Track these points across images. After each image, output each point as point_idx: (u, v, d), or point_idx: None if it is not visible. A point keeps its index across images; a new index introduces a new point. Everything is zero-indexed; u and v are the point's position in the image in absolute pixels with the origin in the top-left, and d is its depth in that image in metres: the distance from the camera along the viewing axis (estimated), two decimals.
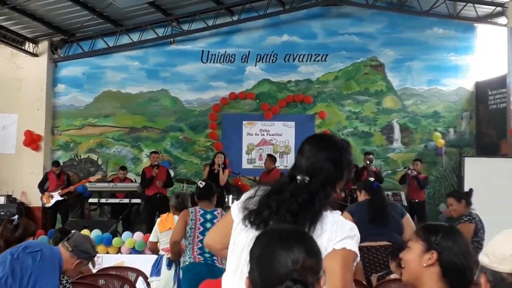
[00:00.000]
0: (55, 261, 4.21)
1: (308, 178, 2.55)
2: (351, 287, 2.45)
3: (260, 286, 1.80)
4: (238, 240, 2.57)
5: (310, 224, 2.43)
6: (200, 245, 6.17)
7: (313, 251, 1.83)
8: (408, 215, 6.38)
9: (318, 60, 15.33)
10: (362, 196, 6.54)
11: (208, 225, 6.28)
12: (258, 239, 1.90)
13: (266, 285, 1.77)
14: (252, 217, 2.52)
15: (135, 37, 15.26)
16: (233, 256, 2.59)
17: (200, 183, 6.73)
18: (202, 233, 6.19)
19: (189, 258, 6.25)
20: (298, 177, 2.55)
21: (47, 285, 4.07)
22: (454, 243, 2.45)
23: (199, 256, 6.19)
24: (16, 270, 4.04)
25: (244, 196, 2.66)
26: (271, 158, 13.58)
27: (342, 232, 2.47)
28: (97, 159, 15.41)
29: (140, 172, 14.00)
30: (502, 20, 13.63)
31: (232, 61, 15.42)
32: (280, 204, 2.48)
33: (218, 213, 6.42)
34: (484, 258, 1.83)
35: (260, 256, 1.84)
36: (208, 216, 6.36)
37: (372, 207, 6.22)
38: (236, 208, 2.65)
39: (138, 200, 13.52)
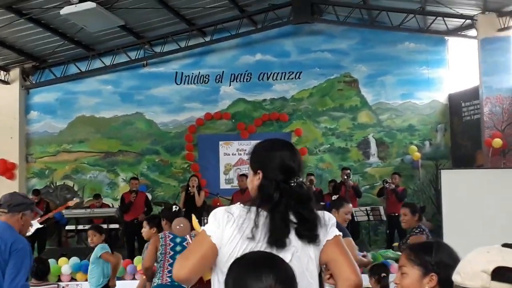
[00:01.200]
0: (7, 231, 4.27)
1: (300, 179, 2.64)
2: (354, 262, 2.65)
3: None
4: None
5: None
6: (170, 268, 6.37)
7: (283, 278, 1.88)
8: (350, 239, 6.03)
9: (292, 78, 15.38)
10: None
11: (178, 248, 6.50)
12: (230, 269, 1.98)
13: None
14: (266, 235, 2.51)
15: (107, 61, 15.19)
16: None
17: (175, 206, 6.97)
18: (172, 257, 6.44)
19: (158, 279, 6.51)
20: (293, 180, 2.61)
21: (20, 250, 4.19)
22: (448, 258, 2.47)
23: (167, 278, 6.43)
24: None
25: (224, 216, 2.60)
26: (242, 177, 13.57)
27: (328, 222, 2.64)
28: (73, 185, 15.25)
29: (118, 197, 13.86)
30: (472, 32, 13.78)
31: (206, 82, 15.41)
32: (288, 209, 2.55)
33: (187, 236, 6.50)
34: (456, 277, 1.85)
35: (232, 286, 1.92)
36: (178, 240, 6.55)
37: None
38: (216, 230, 2.57)
39: (116, 226, 13.36)
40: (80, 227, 13.38)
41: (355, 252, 6.01)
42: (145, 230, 7.16)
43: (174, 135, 15.35)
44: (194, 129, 15.28)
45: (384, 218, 13.00)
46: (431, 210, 14.53)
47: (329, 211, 6.49)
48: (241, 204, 2.68)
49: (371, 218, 12.95)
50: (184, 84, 15.43)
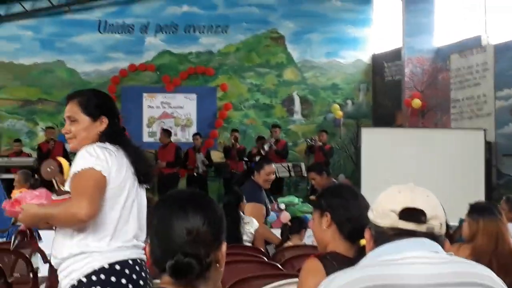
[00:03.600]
0: None
1: None
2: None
3: (159, 257, 1.77)
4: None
5: None
6: None
7: (211, 219, 1.79)
8: (258, 205, 6.33)
9: (219, 32, 15.24)
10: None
11: None
12: (156, 207, 1.86)
13: (165, 256, 1.74)
14: None
15: (27, 5, 14.60)
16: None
17: None
18: None
19: None
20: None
21: None
22: (340, 198, 2.68)
23: None
24: None
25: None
26: (165, 132, 13.62)
27: None
28: None
29: (36, 147, 13.51)
30: None
31: (131, 32, 15.07)
32: None
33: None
34: (370, 214, 1.92)
35: (157, 226, 1.81)
36: None
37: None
38: (103, 164, 2.82)
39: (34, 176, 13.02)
40: None
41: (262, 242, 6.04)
42: None
43: (96, 85, 14.88)
44: (117, 80, 14.97)
45: (305, 174, 13.17)
46: (350, 167, 14.87)
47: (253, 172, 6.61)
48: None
49: (293, 174, 13.11)
50: (107, 33, 15.03)
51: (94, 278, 2.77)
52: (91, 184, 2.79)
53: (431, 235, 1.82)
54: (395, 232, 1.81)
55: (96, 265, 2.78)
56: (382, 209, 1.85)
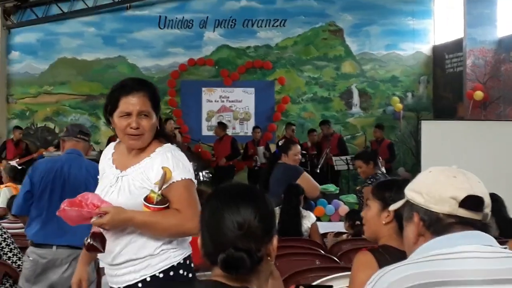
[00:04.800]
0: None
1: None
2: None
3: (211, 250, 1.78)
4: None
5: None
6: None
7: (262, 213, 1.78)
8: (304, 174, 6.57)
9: (277, 26, 15.25)
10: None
11: None
12: (207, 200, 1.86)
13: (216, 249, 1.75)
14: None
15: (90, 2, 14.92)
16: None
17: None
18: None
19: None
20: None
21: None
22: None
23: None
24: None
25: None
26: (220, 125, 13.80)
27: None
28: (54, 127, 15.16)
29: (100, 140, 13.85)
30: None
31: (190, 27, 15.23)
32: None
33: None
34: (416, 196, 1.84)
35: (208, 219, 1.81)
36: None
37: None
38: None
39: None
40: None
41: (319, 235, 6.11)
42: None
43: (156, 80, 15.18)
44: (177, 74, 15.16)
45: None
46: (410, 161, 14.69)
47: (278, 157, 6.71)
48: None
49: (351, 167, 13.02)
50: (167, 28, 15.24)
51: (171, 273, 2.78)
52: (196, 197, 2.79)
53: (484, 225, 1.78)
54: (454, 220, 1.77)
55: (175, 261, 2.80)
56: (439, 194, 1.78)
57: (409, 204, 1.87)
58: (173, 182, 2.72)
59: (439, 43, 14.92)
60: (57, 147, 14.01)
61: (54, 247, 4.20)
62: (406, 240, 1.89)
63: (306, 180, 6.44)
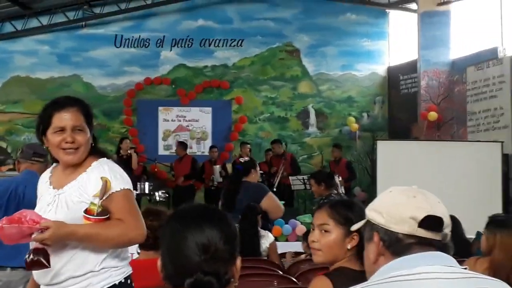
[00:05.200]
0: None
1: None
2: None
3: (172, 273, 1.73)
4: None
5: None
6: None
7: (227, 234, 1.75)
8: (270, 194, 6.48)
9: (234, 45, 15.28)
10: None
11: None
12: (168, 222, 1.81)
13: (179, 272, 1.70)
14: None
15: (44, 20, 14.72)
16: None
17: None
18: None
19: None
20: None
21: None
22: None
23: None
24: None
25: None
26: (181, 144, 13.77)
27: None
28: (7, 146, 14.84)
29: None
30: (413, 6, 13.96)
31: (146, 46, 15.15)
32: None
33: None
34: (376, 216, 1.82)
35: (170, 242, 1.76)
36: None
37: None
38: None
39: None
40: None
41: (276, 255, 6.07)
42: None
43: (112, 99, 15.08)
44: (133, 93, 15.03)
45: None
46: (366, 180, 14.80)
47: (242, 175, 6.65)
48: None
49: (308, 187, 13.05)
50: (124, 47, 15.12)
51: None
52: (136, 206, 2.80)
53: (444, 245, 1.77)
54: (414, 241, 1.75)
55: (117, 280, 2.77)
56: (400, 214, 1.77)
57: (369, 224, 1.85)
58: (113, 192, 2.73)
59: (394, 64, 15.16)
60: (13, 166, 13.79)
61: (8, 269, 4.15)
62: (366, 260, 1.87)
63: (271, 200, 6.40)
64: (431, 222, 1.75)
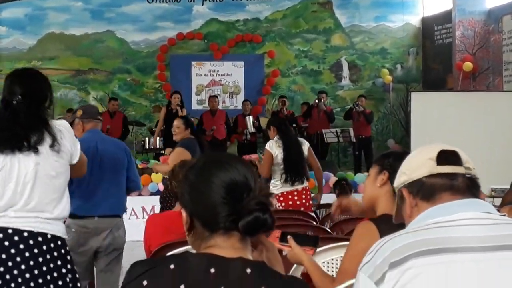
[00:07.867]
0: None
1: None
2: None
3: (224, 213, 1.66)
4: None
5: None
6: None
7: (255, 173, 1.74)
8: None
9: None
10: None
11: None
12: (198, 169, 1.75)
13: (232, 212, 1.65)
14: None
15: None
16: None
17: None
18: None
19: None
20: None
21: None
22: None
23: None
24: None
25: None
26: (214, 98, 13.44)
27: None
28: None
29: None
30: None
31: (179, 1, 15.11)
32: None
33: None
34: (402, 177, 1.87)
35: (214, 186, 1.69)
36: None
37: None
38: None
39: None
40: None
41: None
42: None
43: (145, 54, 15.16)
44: (166, 49, 15.09)
45: (354, 140, 13.14)
46: (400, 133, 14.76)
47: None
48: None
49: (341, 140, 13.08)
50: (156, 2, 15.10)
51: None
52: None
53: (470, 180, 1.79)
54: (438, 180, 1.78)
55: None
56: (417, 162, 1.82)
57: (399, 191, 1.89)
58: None
59: (428, 14, 14.90)
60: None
61: (96, 218, 4.57)
62: (404, 218, 1.89)
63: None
64: (447, 155, 1.80)
